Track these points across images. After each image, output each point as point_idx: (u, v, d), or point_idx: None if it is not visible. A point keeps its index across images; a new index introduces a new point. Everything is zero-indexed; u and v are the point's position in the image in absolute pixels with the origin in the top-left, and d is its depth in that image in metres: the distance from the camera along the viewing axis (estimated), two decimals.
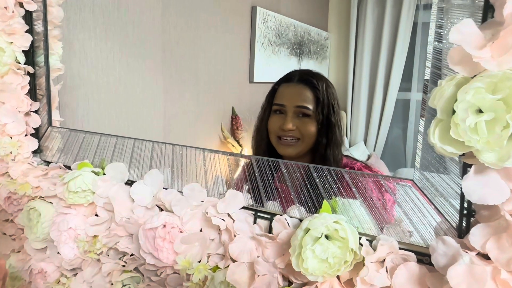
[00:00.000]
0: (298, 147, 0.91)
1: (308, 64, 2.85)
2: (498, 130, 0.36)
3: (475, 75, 0.38)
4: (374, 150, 3.01)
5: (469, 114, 0.37)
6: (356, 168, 0.90)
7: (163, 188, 0.68)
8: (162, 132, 1.72)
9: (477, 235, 0.41)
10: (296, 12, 2.72)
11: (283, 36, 2.53)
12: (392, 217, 0.54)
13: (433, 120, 0.40)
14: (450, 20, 0.43)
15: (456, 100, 0.38)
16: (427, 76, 0.46)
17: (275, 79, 2.67)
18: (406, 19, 2.83)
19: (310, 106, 0.90)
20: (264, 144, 0.97)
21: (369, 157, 2.88)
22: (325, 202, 0.52)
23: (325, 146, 0.90)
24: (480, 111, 0.39)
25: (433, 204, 0.47)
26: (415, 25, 2.86)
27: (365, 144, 3.04)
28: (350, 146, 3.02)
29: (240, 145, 2.17)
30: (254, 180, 0.60)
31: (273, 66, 2.45)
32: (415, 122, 2.98)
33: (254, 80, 2.30)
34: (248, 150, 2.13)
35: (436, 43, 0.45)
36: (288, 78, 0.97)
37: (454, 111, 0.39)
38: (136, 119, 1.56)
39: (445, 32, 0.44)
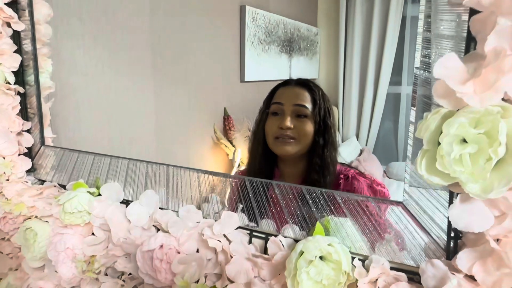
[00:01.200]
0: (295, 147, 0.91)
1: (298, 61, 2.85)
2: (482, 162, 0.38)
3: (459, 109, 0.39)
4: (366, 145, 3.03)
5: (453, 148, 0.38)
6: (350, 175, 0.91)
7: (159, 208, 0.69)
8: (155, 135, 1.72)
9: (464, 259, 0.42)
10: (285, 9, 2.72)
11: (273, 34, 2.53)
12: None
13: (420, 151, 0.41)
14: (435, 49, 0.44)
15: (442, 132, 0.40)
16: (414, 104, 0.47)
17: (267, 77, 2.67)
18: (395, 13, 2.84)
19: (308, 106, 0.91)
20: (261, 148, 0.97)
21: (361, 151, 2.91)
22: (318, 224, 0.54)
23: (322, 146, 0.91)
24: (465, 140, 0.40)
25: (422, 226, 0.49)
26: (403, 18, 2.88)
27: (357, 139, 3.06)
28: (342, 141, 3.05)
29: (233, 146, 2.17)
30: (248, 200, 0.61)
31: (264, 64, 2.45)
32: (406, 115, 3.00)
33: (245, 80, 2.30)
34: (241, 150, 2.14)
35: (421, 71, 0.46)
36: (286, 82, 0.99)
37: (440, 142, 0.40)
38: (128, 124, 1.55)
39: (431, 60, 0.45)
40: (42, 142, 0.86)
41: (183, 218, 0.64)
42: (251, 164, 0.99)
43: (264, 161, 0.95)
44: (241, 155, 2.14)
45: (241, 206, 0.62)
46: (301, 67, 2.90)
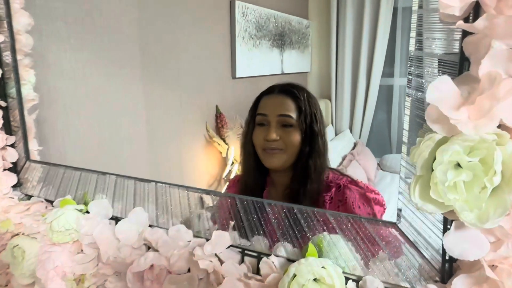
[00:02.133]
0: (282, 158, 0.89)
1: (290, 55, 2.82)
2: (477, 191, 0.37)
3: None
4: (359, 138, 3.03)
5: (447, 176, 0.37)
6: (342, 184, 0.88)
7: (149, 225, 0.67)
8: (146, 136, 1.70)
9: (459, 285, 0.41)
10: (275, 2, 2.68)
11: (263, 28, 2.49)
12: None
13: (413, 177, 0.40)
14: (427, 69, 0.43)
15: (435, 158, 0.38)
16: (406, 126, 0.45)
17: (258, 73, 2.64)
18: (386, 4, 2.81)
19: (293, 115, 0.89)
20: (252, 159, 0.95)
21: (355, 145, 2.90)
22: (310, 245, 0.52)
23: (307, 155, 0.89)
24: (459, 165, 0.39)
25: (417, 248, 0.48)
26: (395, 10, 2.85)
27: (351, 132, 3.06)
28: (336, 135, 3.04)
29: (226, 144, 2.15)
30: (239, 218, 0.60)
31: (255, 60, 2.42)
32: (399, 107, 3.00)
33: (237, 76, 2.27)
34: (234, 148, 2.12)
35: (414, 91, 0.44)
36: (269, 91, 0.95)
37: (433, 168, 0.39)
38: (119, 127, 1.53)
39: (424, 81, 0.44)
40: (27, 156, 0.84)
41: (173, 237, 0.62)
42: (244, 175, 0.97)
43: (257, 172, 0.94)
44: (234, 153, 2.12)
45: (232, 223, 0.61)
46: (293, 61, 2.87)
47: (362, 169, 2.55)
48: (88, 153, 1.37)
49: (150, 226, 0.68)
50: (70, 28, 1.28)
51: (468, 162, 0.37)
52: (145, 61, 1.62)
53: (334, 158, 2.52)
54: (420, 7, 0.43)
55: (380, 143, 3.07)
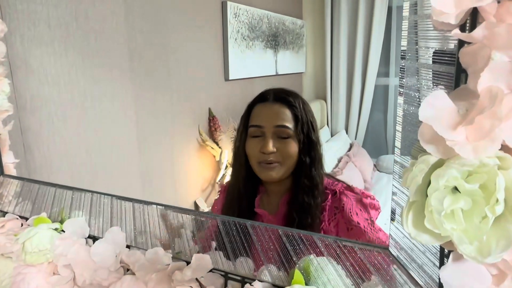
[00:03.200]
0: (280, 170, 0.85)
1: (284, 55, 2.78)
2: (477, 221, 0.33)
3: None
4: (355, 139, 2.99)
5: (443, 204, 0.33)
6: (337, 190, 0.85)
7: (127, 245, 0.63)
8: (136, 141, 1.65)
9: None
10: (269, 2, 2.63)
11: (256, 29, 2.45)
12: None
13: (406, 203, 0.36)
14: (421, 81, 0.39)
15: (430, 182, 0.34)
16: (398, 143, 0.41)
17: (252, 75, 2.59)
18: (381, 3, 2.77)
19: (290, 125, 0.85)
20: (244, 170, 0.91)
21: (351, 146, 2.87)
22: (297, 271, 0.48)
23: (309, 165, 0.85)
24: (457, 188, 0.35)
25: (410, 275, 0.44)
26: (389, 9, 2.82)
27: (347, 133, 3.02)
28: (331, 136, 3.00)
29: (220, 147, 2.11)
30: (221, 240, 0.56)
31: (249, 61, 2.37)
32: (395, 107, 2.97)
33: (230, 78, 2.23)
34: (228, 151, 2.08)
35: (406, 105, 0.40)
36: (263, 98, 0.91)
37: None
38: (107, 132, 1.48)
39: (417, 94, 0.39)
40: (1, 171, 0.79)
41: (151, 260, 0.58)
42: (235, 185, 0.93)
43: (247, 182, 0.89)
44: (228, 156, 2.08)
45: (215, 244, 0.57)
46: (288, 62, 2.83)
47: (358, 170, 2.52)
48: (75, 161, 1.32)
49: (128, 246, 0.63)
50: (53, 32, 1.24)
51: (467, 187, 0.33)
52: (134, 64, 1.58)
53: (330, 160, 2.48)
54: (414, 12, 0.39)
55: (377, 143, 3.03)
